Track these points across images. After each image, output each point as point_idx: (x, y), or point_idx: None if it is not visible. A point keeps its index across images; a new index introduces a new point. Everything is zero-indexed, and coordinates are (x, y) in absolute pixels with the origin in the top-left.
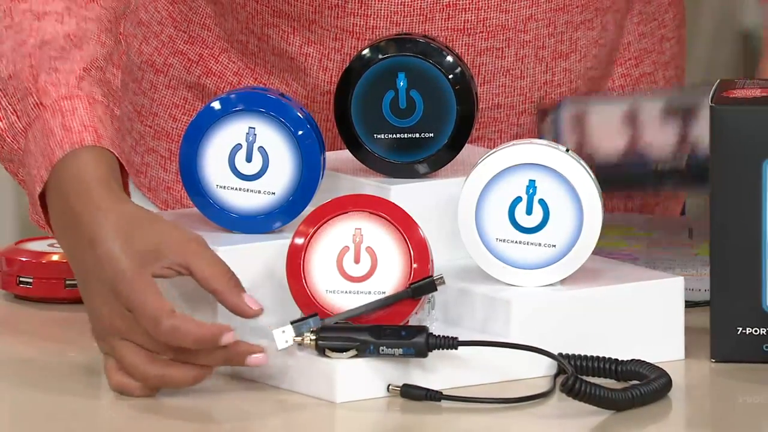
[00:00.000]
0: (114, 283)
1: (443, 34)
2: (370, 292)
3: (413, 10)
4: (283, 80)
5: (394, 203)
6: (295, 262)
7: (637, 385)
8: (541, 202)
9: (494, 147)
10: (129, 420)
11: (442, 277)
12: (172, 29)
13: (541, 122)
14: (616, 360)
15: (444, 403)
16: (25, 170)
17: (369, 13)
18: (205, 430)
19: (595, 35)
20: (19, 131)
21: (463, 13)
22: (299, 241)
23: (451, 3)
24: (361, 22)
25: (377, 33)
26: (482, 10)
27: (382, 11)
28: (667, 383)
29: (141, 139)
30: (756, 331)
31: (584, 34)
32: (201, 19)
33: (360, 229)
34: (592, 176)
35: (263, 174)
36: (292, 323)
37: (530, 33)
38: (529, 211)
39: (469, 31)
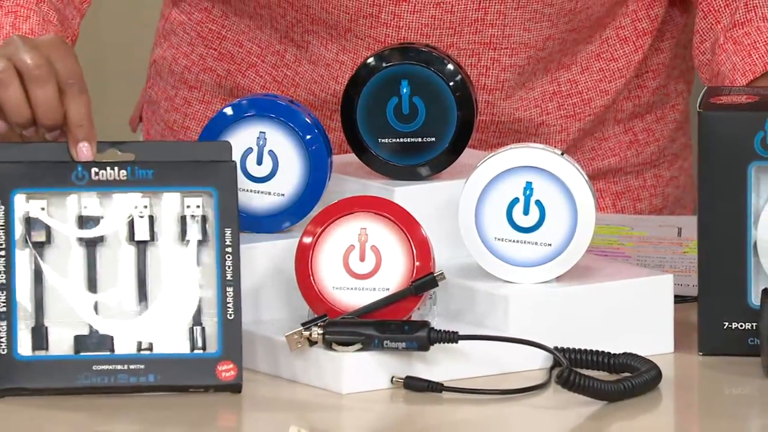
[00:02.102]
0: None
1: (470, 47)
2: (374, 289)
3: (443, 23)
4: (310, 92)
5: (397, 204)
6: (304, 260)
7: (628, 377)
8: (538, 203)
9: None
10: (145, 408)
11: (443, 274)
12: (202, 48)
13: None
14: (609, 353)
15: (445, 395)
16: None
17: (401, 25)
18: (219, 419)
19: (594, 48)
20: None
21: (490, 28)
22: (307, 240)
23: (479, 18)
24: (393, 33)
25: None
26: (507, 27)
27: (413, 23)
28: (657, 375)
29: None
30: (742, 325)
31: (584, 48)
32: (234, 36)
33: (365, 228)
34: (586, 178)
35: (273, 176)
36: (302, 325)
37: (546, 50)
38: (526, 212)
39: (495, 45)
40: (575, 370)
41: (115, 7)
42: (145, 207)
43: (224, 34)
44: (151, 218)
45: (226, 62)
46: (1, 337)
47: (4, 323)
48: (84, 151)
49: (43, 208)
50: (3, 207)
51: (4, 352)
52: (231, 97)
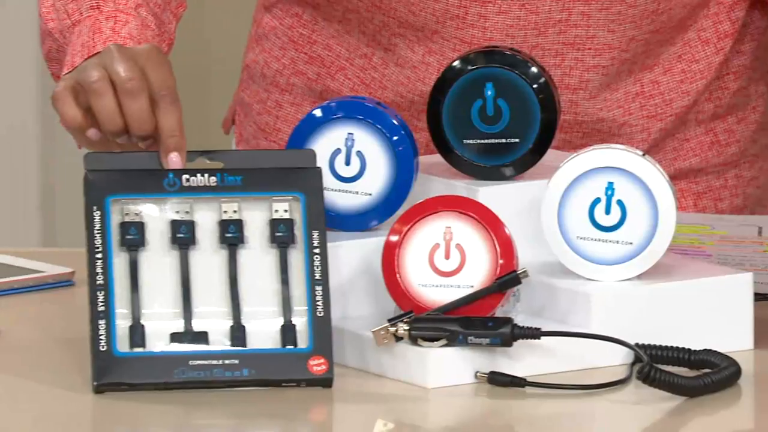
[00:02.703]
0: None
1: (555, 47)
2: (459, 286)
3: (527, 23)
4: (397, 94)
5: (481, 204)
6: (390, 257)
7: (708, 373)
8: (619, 202)
9: None
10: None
11: (526, 272)
12: (293, 52)
13: None
14: (689, 349)
15: (528, 389)
16: (64, 63)
17: (486, 26)
18: (311, 413)
19: (676, 50)
20: (66, 27)
21: (574, 29)
22: (394, 238)
23: (563, 19)
24: (479, 34)
25: (494, 43)
26: (591, 28)
27: (499, 24)
28: (737, 371)
29: None
30: None
31: (666, 49)
32: (324, 39)
33: (450, 227)
34: (667, 178)
35: (361, 176)
36: (389, 321)
37: (630, 52)
38: (607, 211)
39: (578, 46)
40: (656, 366)
41: (213, 13)
42: (235, 211)
43: (314, 38)
44: (241, 222)
45: (316, 65)
46: (101, 335)
47: (104, 321)
48: (174, 160)
49: (137, 213)
50: (99, 212)
51: (104, 349)
52: (321, 99)
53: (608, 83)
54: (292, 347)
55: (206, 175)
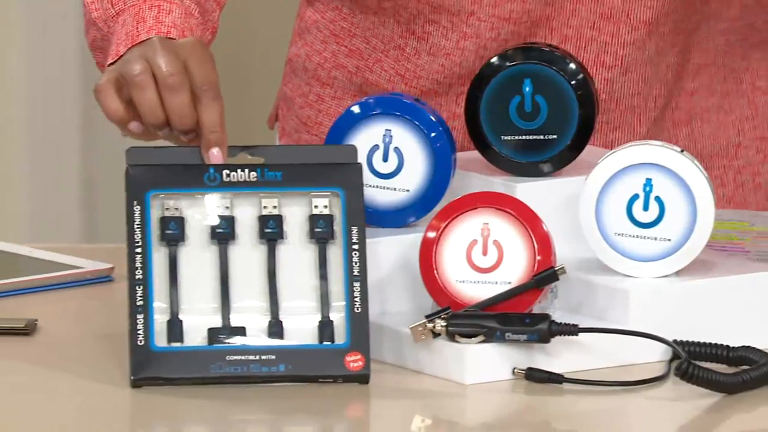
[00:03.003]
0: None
1: (592, 18)
2: (496, 282)
3: None
4: (434, 81)
5: (519, 200)
6: (428, 254)
7: (747, 369)
8: (657, 199)
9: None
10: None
11: (563, 268)
12: (334, 45)
13: None
14: (727, 346)
15: (565, 386)
16: (108, 52)
17: None
18: (348, 409)
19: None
20: (110, 17)
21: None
22: (431, 234)
23: None
24: (518, 8)
25: (533, 16)
26: (627, 2)
27: None
28: None
29: None
30: None
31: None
32: (362, 32)
33: (488, 223)
34: (705, 175)
35: (398, 173)
36: (426, 317)
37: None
38: (645, 208)
39: (615, 19)
40: (694, 362)
41: (258, 8)
42: (275, 207)
43: (353, 32)
44: (281, 217)
45: (355, 58)
46: (139, 329)
47: (142, 316)
48: (216, 155)
49: (177, 208)
50: (139, 207)
51: (142, 343)
52: (361, 92)
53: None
54: (329, 343)
55: (246, 170)
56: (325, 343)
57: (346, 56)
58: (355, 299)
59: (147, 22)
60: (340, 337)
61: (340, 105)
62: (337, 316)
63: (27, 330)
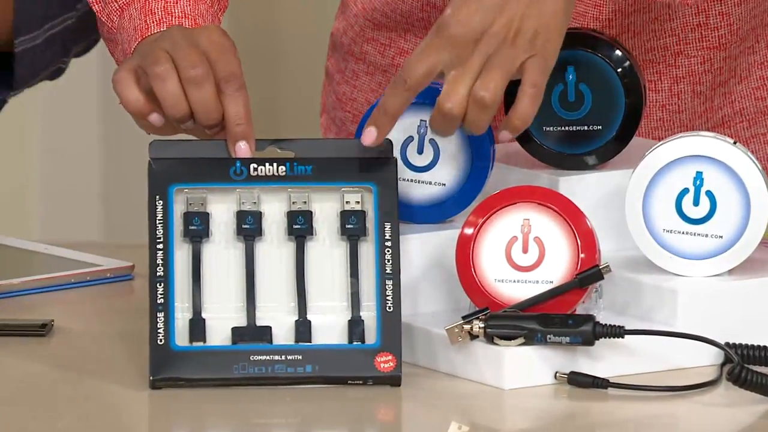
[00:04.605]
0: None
1: None
2: (537, 282)
3: None
4: None
5: (561, 194)
6: (465, 251)
7: None
8: (708, 193)
9: None
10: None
11: (608, 267)
12: (362, 19)
13: None
14: None
15: (610, 391)
16: (118, 48)
17: None
18: (378, 413)
19: (758, 59)
20: (114, 10)
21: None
22: (469, 231)
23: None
24: None
25: None
26: None
27: None
28: None
29: (342, 125)
30: None
31: (745, 59)
32: (381, 6)
33: (528, 219)
34: (760, 168)
35: (434, 165)
36: (463, 318)
37: (682, 69)
38: (696, 203)
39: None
40: (747, 366)
41: None
42: (304, 202)
43: (375, 5)
44: (310, 213)
45: (384, 30)
46: (159, 328)
47: (162, 314)
48: (242, 148)
49: (201, 203)
50: (162, 202)
51: (161, 343)
52: (389, 71)
53: (662, 103)
54: (359, 343)
55: (275, 164)
56: (354, 343)
57: (373, 29)
58: (387, 298)
59: (155, 14)
60: (371, 336)
61: (373, 81)
62: (368, 316)
63: (43, 331)
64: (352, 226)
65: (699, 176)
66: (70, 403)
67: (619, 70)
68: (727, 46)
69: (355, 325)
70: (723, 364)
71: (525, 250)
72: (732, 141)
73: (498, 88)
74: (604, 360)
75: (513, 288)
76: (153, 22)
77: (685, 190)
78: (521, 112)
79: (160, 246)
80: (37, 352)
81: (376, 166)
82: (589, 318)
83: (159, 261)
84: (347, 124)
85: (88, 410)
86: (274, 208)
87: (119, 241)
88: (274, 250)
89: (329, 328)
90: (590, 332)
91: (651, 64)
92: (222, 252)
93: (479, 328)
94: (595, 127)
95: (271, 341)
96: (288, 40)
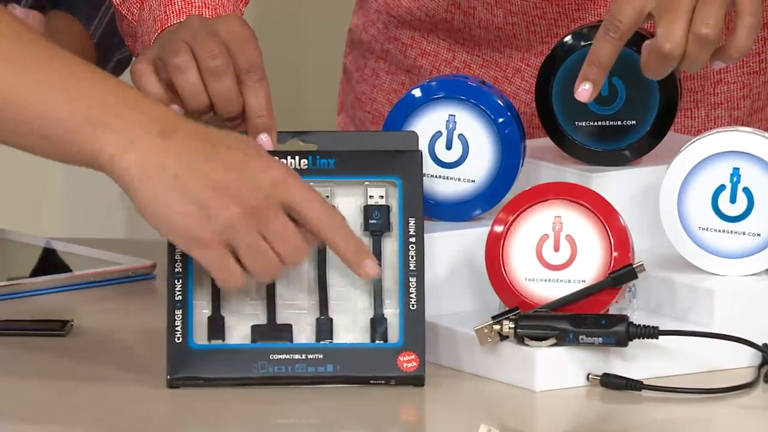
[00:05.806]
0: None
1: None
2: (569, 281)
3: None
4: (495, 48)
5: (594, 191)
6: (495, 249)
7: None
8: (746, 190)
9: None
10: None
11: (642, 266)
12: (385, 15)
13: None
14: None
15: (645, 393)
16: (138, 42)
17: None
18: (402, 414)
19: None
20: (134, 3)
21: None
22: (498, 228)
23: None
24: None
25: None
26: None
27: None
28: None
29: (362, 125)
30: None
31: None
32: (407, 2)
33: (560, 216)
34: None
35: (463, 161)
36: (493, 319)
37: (721, 95)
38: (733, 200)
39: None
40: None
41: None
42: (327, 196)
43: (398, 2)
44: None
45: (407, 29)
46: (177, 326)
47: (180, 312)
48: (264, 140)
49: None
50: None
51: (179, 341)
52: (415, 67)
53: (698, 129)
54: (381, 342)
55: (297, 157)
56: (377, 341)
57: (396, 27)
58: (411, 296)
59: (175, 3)
60: (394, 335)
61: (394, 81)
62: (391, 314)
63: (62, 331)
64: (375, 222)
65: (736, 172)
66: (88, 403)
67: None
68: (766, 71)
69: (378, 324)
70: (761, 366)
71: (556, 249)
72: None
73: (719, 21)
74: (638, 361)
75: (544, 287)
76: (172, 12)
77: (722, 187)
78: (740, 45)
79: None
80: (57, 352)
81: (400, 159)
82: (623, 318)
83: (177, 257)
84: (367, 124)
85: (106, 410)
86: None
87: (142, 238)
88: None
89: (351, 326)
90: (624, 333)
91: (689, 93)
92: None
93: (509, 328)
94: (629, 122)
95: (291, 340)
96: (311, 32)
